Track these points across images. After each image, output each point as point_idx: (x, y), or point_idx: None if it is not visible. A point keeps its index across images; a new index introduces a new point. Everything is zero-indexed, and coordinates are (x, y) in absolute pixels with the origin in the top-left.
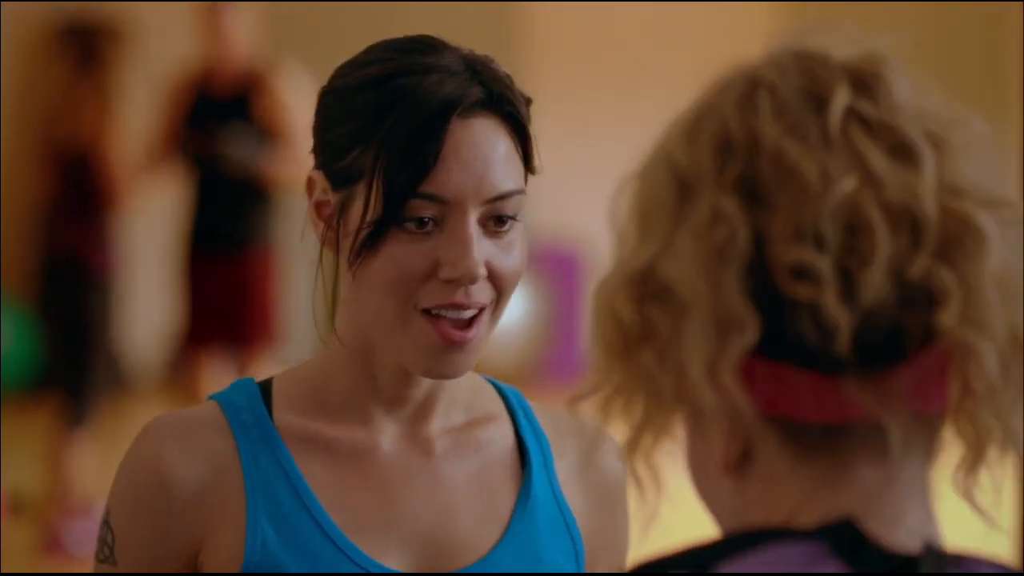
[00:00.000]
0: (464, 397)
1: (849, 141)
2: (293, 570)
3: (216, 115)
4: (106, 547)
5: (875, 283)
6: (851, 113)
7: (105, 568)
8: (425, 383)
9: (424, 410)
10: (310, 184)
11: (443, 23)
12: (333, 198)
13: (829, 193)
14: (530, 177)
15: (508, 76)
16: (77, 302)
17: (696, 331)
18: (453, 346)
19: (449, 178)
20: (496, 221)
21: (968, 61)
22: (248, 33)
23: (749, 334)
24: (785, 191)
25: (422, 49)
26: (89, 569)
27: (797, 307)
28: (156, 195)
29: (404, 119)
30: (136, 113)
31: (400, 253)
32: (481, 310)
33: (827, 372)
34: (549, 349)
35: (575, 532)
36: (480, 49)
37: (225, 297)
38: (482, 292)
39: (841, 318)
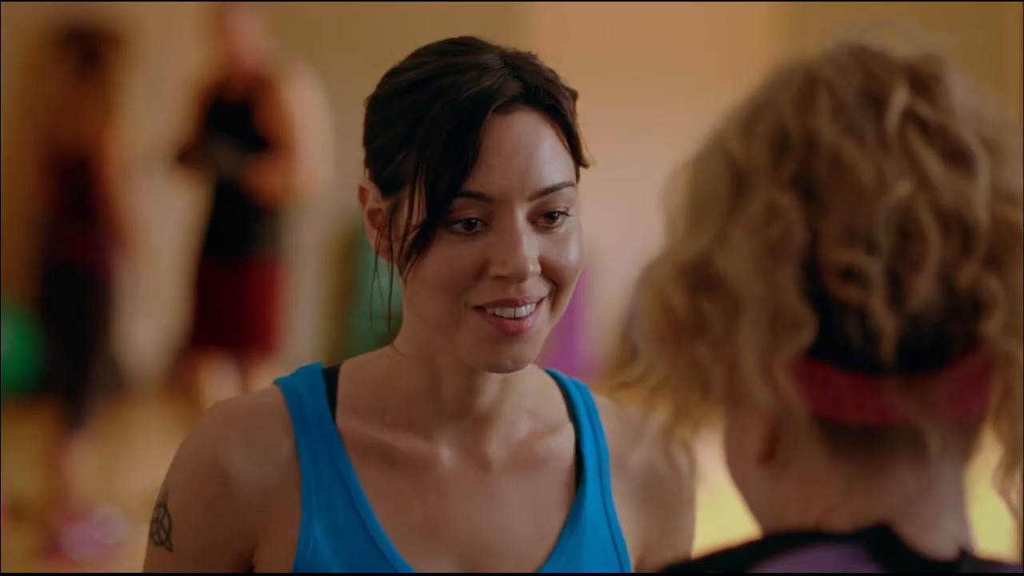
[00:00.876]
0: (531, 401)
1: (905, 144)
2: None
3: (223, 120)
4: (162, 530)
5: (924, 289)
6: (908, 115)
7: (160, 552)
8: (490, 392)
9: (488, 421)
10: (362, 194)
11: (444, 24)
12: (383, 205)
13: (884, 196)
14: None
15: (551, 71)
16: (77, 306)
17: (751, 328)
18: (510, 336)
19: (492, 175)
20: (547, 217)
21: (968, 61)
22: (259, 37)
23: (806, 334)
24: (840, 192)
25: (459, 50)
26: (88, 570)
27: (843, 308)
28: (159, 199)
29: (441, 119)
30: (137, 116)
31: (449, 253)
32: (539, 303)
33: (870, 374)
34: (548, 351)
35: (623, 551)
36: None
37: (230, 303)
38: (536, 287)
39: (887, 323)
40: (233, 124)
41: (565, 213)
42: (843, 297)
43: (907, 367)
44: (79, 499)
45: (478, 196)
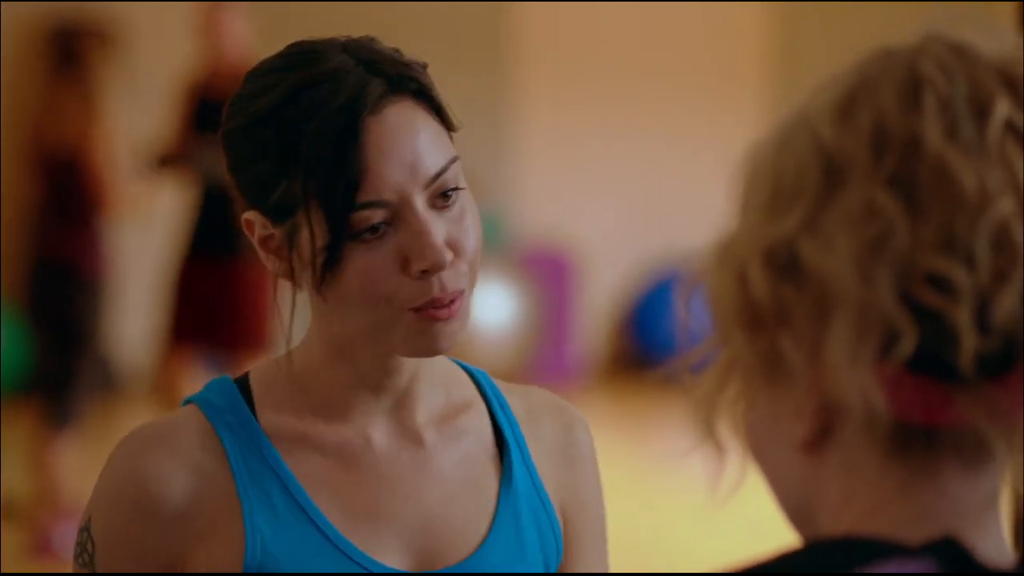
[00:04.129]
0: (440, 376)
1: (1004, 154)
2: (293, 571)
3: (209, 120)
4: (85, 553)
5: (1009, 304)
6: (1007, 124)
7: (85, 571)
8: (407, 371)
9: (407, 399)
10: (248, 224)
11: (439, 23)
12: (276, 232)
13: (987, 211)
14: (521, 179)
15: (395, 50)
16: (65, 305)
17: (843, 326)
18: (439, 322)
19: (383, 178)
20: (442, 197)
21: None
22: (246, 35)
23: (906, 344)
24: (940, 199)
25: (303, 62)
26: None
27: (922, 312)
28: (149, 200)
29: (317, 139)
30: (123, 116)
31: (366, 263)
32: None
33: (941, 379)
34: (539, 351)
35: (552, 514)
36: (473, 49)
37: (215, 302)
38: (455, 279)
39: (970, 336)
40: (218, 123)
41: (457, 188)
42: (927, 303)
43: (977, 374)
44: (69, 497)
45: (375, 205)
